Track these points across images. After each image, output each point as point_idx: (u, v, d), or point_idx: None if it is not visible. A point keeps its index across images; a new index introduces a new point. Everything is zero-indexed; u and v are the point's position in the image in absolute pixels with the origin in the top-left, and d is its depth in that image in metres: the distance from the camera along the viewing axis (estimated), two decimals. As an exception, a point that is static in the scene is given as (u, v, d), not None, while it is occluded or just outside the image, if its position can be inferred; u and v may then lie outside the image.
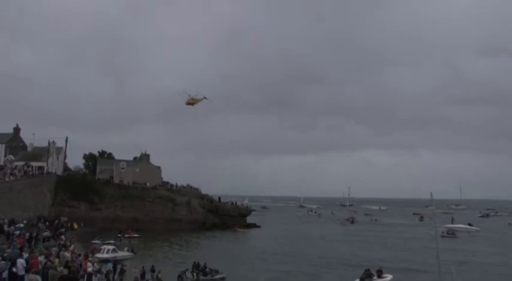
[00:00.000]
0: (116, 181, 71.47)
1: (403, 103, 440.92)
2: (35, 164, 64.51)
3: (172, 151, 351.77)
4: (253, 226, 75.88)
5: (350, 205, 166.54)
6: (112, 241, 44.45)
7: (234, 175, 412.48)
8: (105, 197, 65.32)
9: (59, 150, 70.76)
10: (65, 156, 75.09)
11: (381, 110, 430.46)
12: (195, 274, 30.78)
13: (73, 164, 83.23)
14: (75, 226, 54.14)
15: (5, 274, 17.24)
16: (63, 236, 39.41)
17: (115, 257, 34.29)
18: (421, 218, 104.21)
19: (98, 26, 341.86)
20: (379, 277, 31.57)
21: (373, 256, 42.36)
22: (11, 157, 66.88)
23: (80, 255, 26.04)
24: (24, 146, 71.42)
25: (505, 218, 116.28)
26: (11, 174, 55.24)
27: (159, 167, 76.85)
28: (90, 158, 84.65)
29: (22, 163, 63.41)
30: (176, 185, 75.83)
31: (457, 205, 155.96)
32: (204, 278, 30.50)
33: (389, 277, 32.13)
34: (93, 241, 44.76)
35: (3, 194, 47.76)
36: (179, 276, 30.24)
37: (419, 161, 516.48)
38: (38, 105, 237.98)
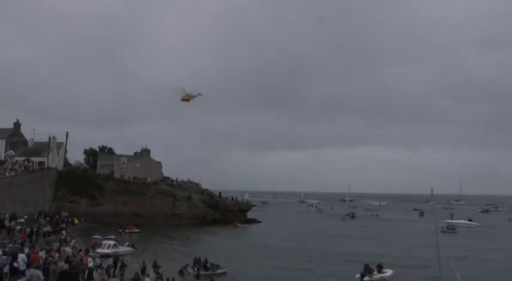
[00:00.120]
0: (117, 176, 71.55)
1: (403, 99, 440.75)
2: (35, 159, 64.62)
3: (173, 146, 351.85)
4: (254, 221, 75.99)
5: (350, 200, 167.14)
6: (113, 236, 44.50)
7: (234, 170, 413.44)
8: (105, 192, 65.40)
9: (59, 145, 70.74)
10: (66, 151, 75.10)
11: (381, 106, 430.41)
12: (196, 269, 30.86)
13: (74, 159, 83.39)
14: (76, 221, 54.25)
15: (6, 269, 17.32)
16: (63, 231, 39.57)
17: (116, 252, 34.33)
18: (421, 214, 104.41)
19: (98, 24, 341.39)
20: (379, 272, 31.69)
21: (373, 251, 42.40)
22: (12, 152, 66.93)
23: (80, 250, 26.08)
24: (25, 142, 71.42)
25: (505, 213, 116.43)
26: (11, 169, 55.45)
27: (159, 162, 76.91)
28: (90, 153, 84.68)
29: (23, 158, 63.54)
30: (177, 180, 75.91)
31: (457, 201, 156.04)
32: (205, 273, 30.56)
33: (390, 272, 32.25)
34: (93, 236, 44.85)
35: (4, 189, 47.96)
36: (180, 271, 30.36)
37: (419, 156, 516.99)
38: (39, 101, 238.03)
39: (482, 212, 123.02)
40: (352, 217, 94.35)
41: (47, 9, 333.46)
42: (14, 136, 70.67)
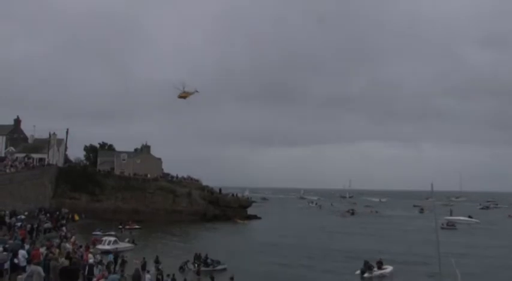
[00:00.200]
0: (117, 172, 71.50)
1: (404, 96, 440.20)
2: (35, 155, 64.63)
3: (173, 143, 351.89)
4: (254, 217, 76.10)
5: (350, 197, 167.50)
6: (113, 233, 44.60)
7: (234, 167, 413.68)
8: (106, 188, 65.45)
9: (59, 142, 70.75)
10: (66, 148, 75.08)
11: (381, 104, 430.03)
12: (196, 265, 30.93)
13: (74, 155, 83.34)
14: (76, 217, 54.34)
15: (6, 265, 17.34)
16: (64, 228, 39.61)
17: (116, 248, 34.38)
18: (421, 210, 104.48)
19: (99, 24, 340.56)
20: (379, 268, 31.75)
21: (373, 248, 42.44)
22: (12, 148, 66.92)
23: (81, 246, 26.12)
24: (25, 138, 71.39)
25: (505, 210, 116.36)
26: (11, 166, 55.39)
27: (159, 159, 76.87)
28: (90, 150, 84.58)
29: (23, 154, 63.55)
30: (177, 177, 75.80)
31: (457, 197, 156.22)
32: (206, 269, 30.65)
33: (390, 268, 32.30)
34: (94, 233, 44.94)
35: (4, 185, 47.95)
36: (181, 267, 30.45)
37: (419, 153, 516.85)
38: (39, 97, 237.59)
39: (482, 208, 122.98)
40: (352, 214, 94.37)
41: (47, 9, 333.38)
42: (14, 133, 70.66)
